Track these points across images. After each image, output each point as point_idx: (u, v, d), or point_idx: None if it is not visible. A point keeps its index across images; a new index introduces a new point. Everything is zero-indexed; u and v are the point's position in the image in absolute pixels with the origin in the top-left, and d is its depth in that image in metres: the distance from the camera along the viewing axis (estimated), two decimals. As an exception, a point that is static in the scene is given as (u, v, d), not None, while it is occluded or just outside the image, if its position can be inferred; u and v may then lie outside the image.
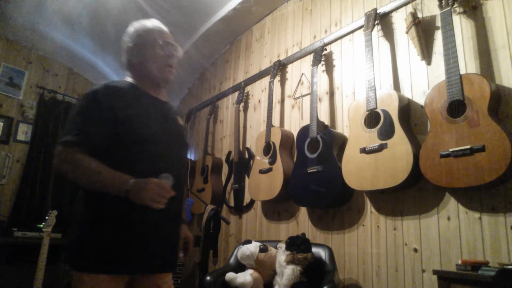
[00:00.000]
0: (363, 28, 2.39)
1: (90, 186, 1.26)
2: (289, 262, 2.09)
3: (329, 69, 2.75)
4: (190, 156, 4.35)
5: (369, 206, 2.26)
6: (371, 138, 2.11)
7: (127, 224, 1.26)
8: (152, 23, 1.48)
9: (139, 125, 1.32)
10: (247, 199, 3.26)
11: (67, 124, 1.32)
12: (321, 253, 2.20)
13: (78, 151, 1.23)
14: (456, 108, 1.77)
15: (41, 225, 3.22)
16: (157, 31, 1.46)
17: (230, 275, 2.24)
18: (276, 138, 2.85)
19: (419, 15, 2.17)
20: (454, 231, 1.83)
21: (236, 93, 3.64)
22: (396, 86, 2.25)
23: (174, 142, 1.45)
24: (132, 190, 1.17)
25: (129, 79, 1.45)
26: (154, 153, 1.34)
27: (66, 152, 1.24)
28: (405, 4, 2.29)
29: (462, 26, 1.99)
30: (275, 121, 3.09)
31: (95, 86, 1.36)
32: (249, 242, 2.44)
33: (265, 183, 2.83)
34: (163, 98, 1.49)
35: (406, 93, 2.19)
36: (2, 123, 4.24)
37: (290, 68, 3.16)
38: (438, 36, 2.07)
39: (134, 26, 1.47)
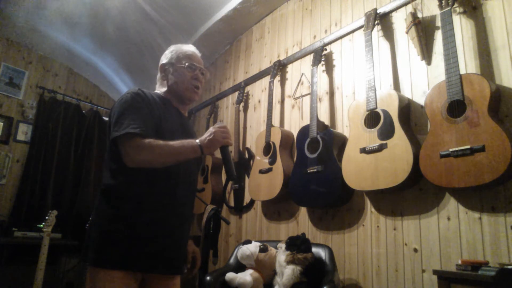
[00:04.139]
0: (363, 28, 2.39)
1: (169, 161, 1.33)
2: (289, 262, 2.09)
3: (329, 69, 2.75)
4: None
5: (369, 206, 2.26)
6: (371, 138, 2.11)
7: (143, 224, 1.32)
8: (188, 47, 1.61)
9: (165, 130, 1.40)
10: (247, 199, 3.26)
11: (117, 121, 1.33)
12: (321, 253, 2.20)
13: (144, 139, 1.30)
14: (456, 108, 1.77)
15: (41, 225, 3.23)
16: (189, 55, 1.57)
17: (230, 275, 2.24)
18: (276, 138, 2.85)
19: (419, 15, 2.17)
20: (454, 231, 1.83)
21: (236, 93, 3.64)
22: (396, 86, 2.25)
23: None
24: (203, 145, 1.32)
25: (158, 91, 1.57)
26: None
27: (136, 142, 1.29)
28: (405, 4, 2.29)
29: (462, 26, 1.99)
30: (275, 121, 3.09)
31: (132, 89, 1.43)
32: (249, 242, 2.44)
33: (265, 183, 2.83)
34: (184, 113, 1.61)
35: (406, 93, 2.19)
36: (2, 123, 4.24)
37: (290, 68, 3.16)
38: (438, 36, 2.07)
39: (172, 46, 1.61)
